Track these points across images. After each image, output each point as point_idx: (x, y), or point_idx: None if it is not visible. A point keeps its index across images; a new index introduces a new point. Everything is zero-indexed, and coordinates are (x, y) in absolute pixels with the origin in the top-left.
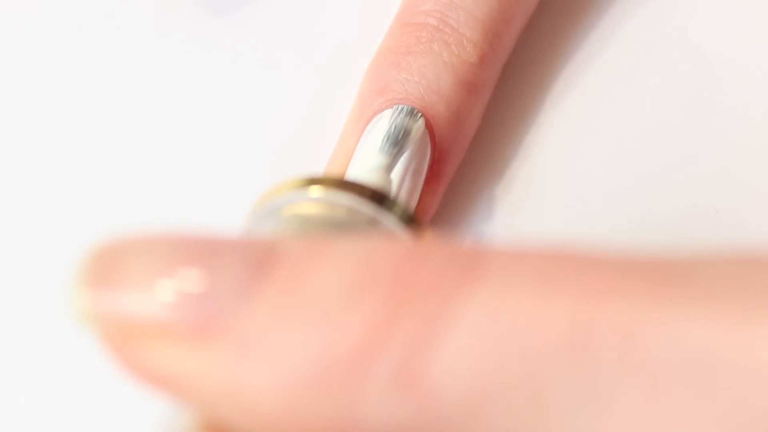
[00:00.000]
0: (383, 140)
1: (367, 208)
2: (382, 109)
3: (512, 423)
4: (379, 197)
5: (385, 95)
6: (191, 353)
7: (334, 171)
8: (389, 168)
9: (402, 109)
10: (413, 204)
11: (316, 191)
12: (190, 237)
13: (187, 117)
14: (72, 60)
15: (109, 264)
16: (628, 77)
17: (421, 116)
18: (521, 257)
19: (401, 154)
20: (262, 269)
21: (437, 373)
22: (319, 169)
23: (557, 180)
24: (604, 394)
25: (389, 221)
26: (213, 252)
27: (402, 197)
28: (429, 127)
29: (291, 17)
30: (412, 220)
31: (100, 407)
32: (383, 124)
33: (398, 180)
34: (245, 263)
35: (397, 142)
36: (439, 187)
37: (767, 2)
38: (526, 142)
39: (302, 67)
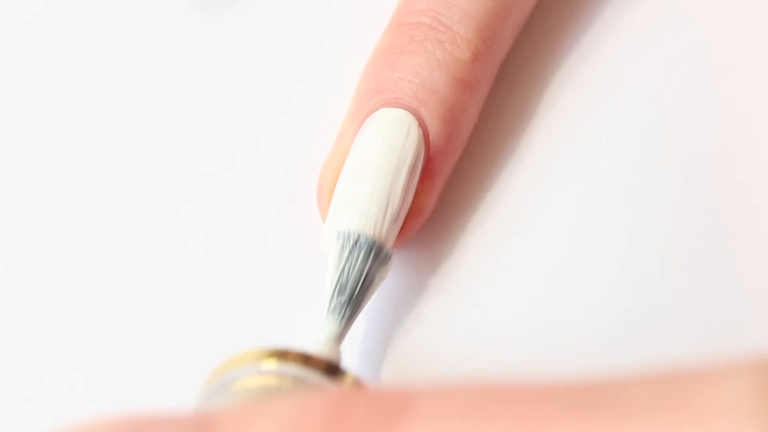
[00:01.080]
0: (332, 296)
1: (318, 378)
2: (377, 108)
3: None
4: (331, 369)
5: (379, 94)
6: None
7: (329, 171)
8: (340, 338)
9: (356, 244)
10: (409, 202)
11: (268, 364)
12: (132, 417)
13: (183, 115)
14: (62, 62)
15: None
16: (626, 75)
17: (389, 256)
18: (445, 395)
19: (357, 312)
20: None
21: None
22: (316, 169)
23: (556, 179)
24: None
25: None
26: (154, 427)
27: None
28: (423, 125)
29: (286, 16)
30: (361, 388)
31: None
32: (332, 264)
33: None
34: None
35: (351, 299)
36: (435, 184)
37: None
38: (524, 140)
39: (299, 66)
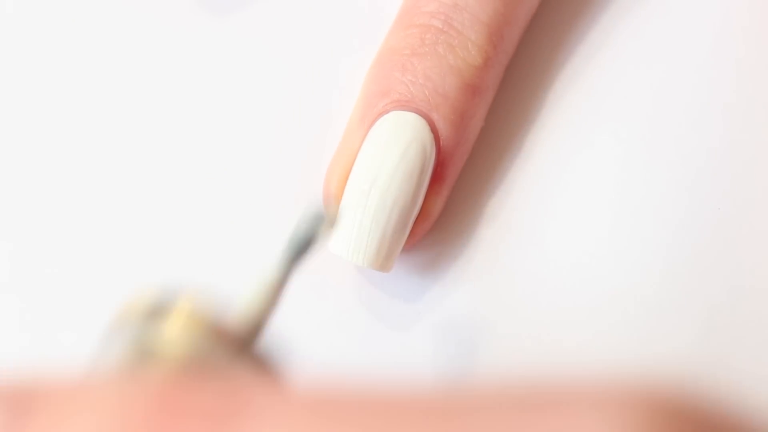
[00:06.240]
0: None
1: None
2: (387, 111)
3: None
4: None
5: (390, 96)
6: None
7: (336, 172)
8: (277, 285)
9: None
10: (419, 206)
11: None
12: None
13: (189, 117)
14: (71, 60)
15: None
16: (628, 76)
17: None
18: (282, 401)
19: (298, 263)
20: (22, 416)
21: None
22: (322, 167)
23: (560, 181)
24: None
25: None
26: None
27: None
28: (434, 130)
29: (292, 17)
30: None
31: None
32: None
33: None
34: (7, 409)
35: (298, 254)
36: (443, 189)
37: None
38: (528, 142)
39: (304, 66)
